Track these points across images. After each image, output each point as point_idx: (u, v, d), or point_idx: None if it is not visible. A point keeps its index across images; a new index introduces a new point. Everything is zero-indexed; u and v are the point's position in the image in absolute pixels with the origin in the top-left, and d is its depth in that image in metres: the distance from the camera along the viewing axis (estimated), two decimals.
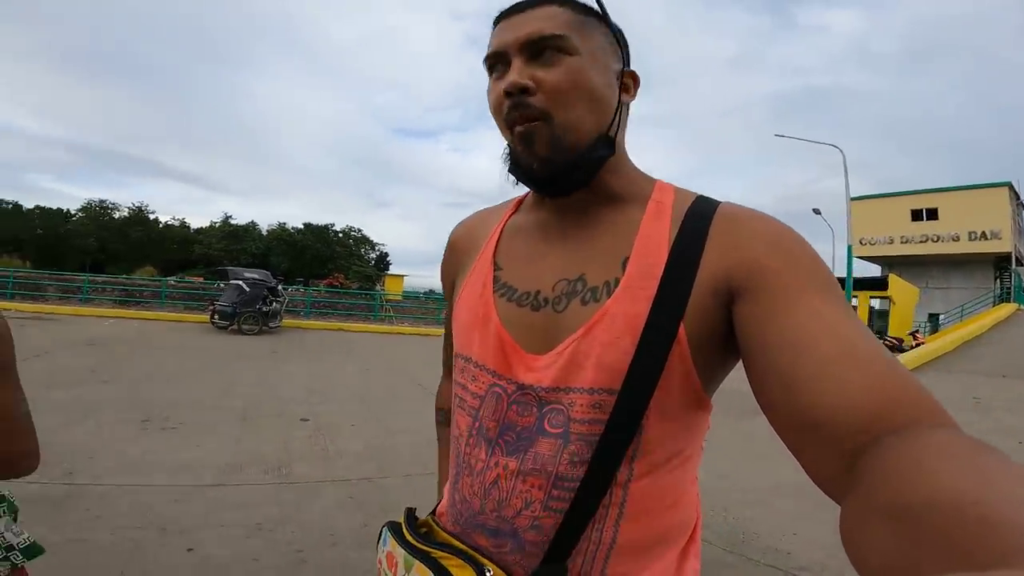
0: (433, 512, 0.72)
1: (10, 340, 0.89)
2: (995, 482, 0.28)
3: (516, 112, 0.59)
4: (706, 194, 0.63)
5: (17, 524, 0.95)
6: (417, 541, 0.63)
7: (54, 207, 48.31)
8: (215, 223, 48.09)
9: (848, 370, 0.42)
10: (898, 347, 17.21)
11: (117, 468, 3.18)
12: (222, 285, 14.45)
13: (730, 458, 4.09)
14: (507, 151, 0.63)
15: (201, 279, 24.77)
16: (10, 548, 0.91)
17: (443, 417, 0.84)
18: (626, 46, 0.66)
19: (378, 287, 33.73)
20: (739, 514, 3.14)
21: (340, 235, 49.59)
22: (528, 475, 0.58)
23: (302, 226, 48.75)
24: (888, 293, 21.40)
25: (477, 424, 0.63)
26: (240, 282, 12.03)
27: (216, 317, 11.76)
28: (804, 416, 0.42)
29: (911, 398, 0.40)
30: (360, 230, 51.36)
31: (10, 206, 45.97)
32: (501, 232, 0.70)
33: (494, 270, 0.67)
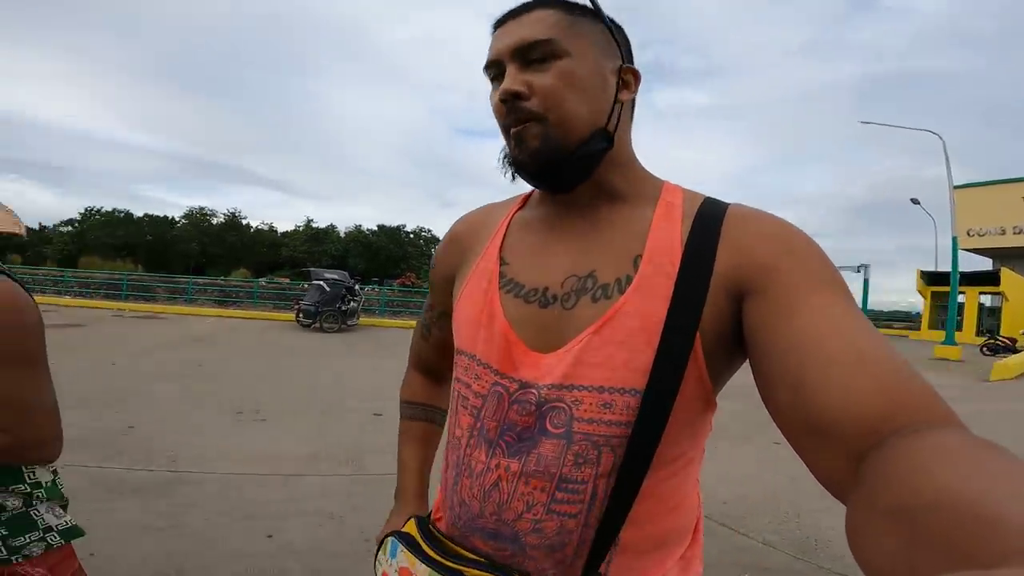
0: (428, 516, 0.72)
1: (40, 332, 0.93)
2: (999, 481, 0.28)
3: (512, 116, 0.60)
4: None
5: (62, 510, 1.03)
6: (440, 556, 0.61)
7: (161, 215, 53.70)
8: (299, 227, 51.52)
9: (855, 372, 0.42)
10: (1010, 347, 15.45)
11: (213, 457, 3.49)
12: (306, 286, 15.38)
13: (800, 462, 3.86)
14: (504, 152, 0.64)
15: (287, 280, 26.48)
16: (48, 529, 0.99)
17: (406, 410, 0.84)
18: (625, 42, 0.66)
19: None
20: (811, 520, 3.00)
21: (411, 235, 51.43)
22: (531, 477, 0.58)
23: (376, 227, 51.05)
24: (1000, 288, 19.32)
25: (479, 424, 0.63)
26: (321, 282, 12.74)
27: (301, 316, 12.56)
28: (811, 418, 0.43)
29: (917, 399, 0.40)
30: (430, 230, 52.99)
31: (123, 214, 51.53)
32: (507, 226, 0.70)
33: (500, 265, 0.66)
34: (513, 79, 0.59)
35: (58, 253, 45.97)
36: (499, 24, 0.63)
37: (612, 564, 0.58)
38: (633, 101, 0.66)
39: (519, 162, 0.61)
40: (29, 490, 0.96)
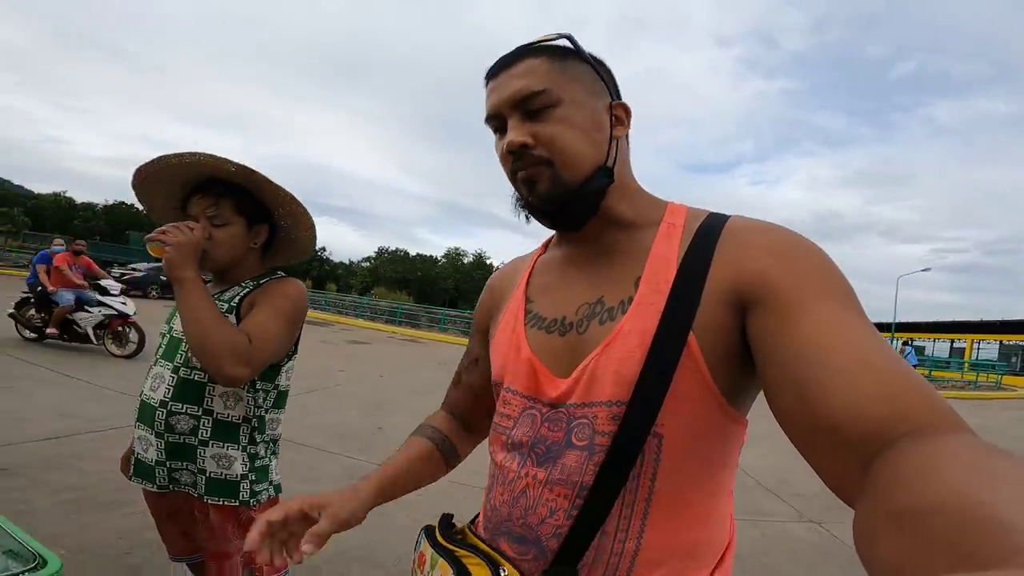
0: (473, 521, 0.76)
1: (305, 312, 1.25)
2: (1002, 484, 0.28)
3: (520, 163, 0.63)
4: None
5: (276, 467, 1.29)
6: (446, 542, 0.67)
7: (427, 254, 64.97)
8: None
9: (860, 378, 0.42)
10: None
11: None
12: None
13: None
14: (514, 196, 0.68)
15: None
16: (271, 482, 1.25)
17: (418, 428, 0.86)
18: (611, 79, 0.67)
19: None
20: None
21: None
22: (555, 484, 0.61)
23: None
24: None
25: (509, 440, 0.67)
26: None
27: None
28: (817, 424, 0.43)
29: (922, 404, 0.40)
30: None
31: (403, 253, 63.61)
32: (532, 270, 0.76)
33: (526, 303, 0.72)
34: (517, 131, 0.62)
35: (359, 284, 59.02)
36: (491, 76, 0.66)
37: (634, 571, 0.59)
38: (627, 134, 0.68)
39: (532, 205, 0.65)
40: (268, 442, 1.25)
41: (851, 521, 0.35)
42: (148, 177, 1.20)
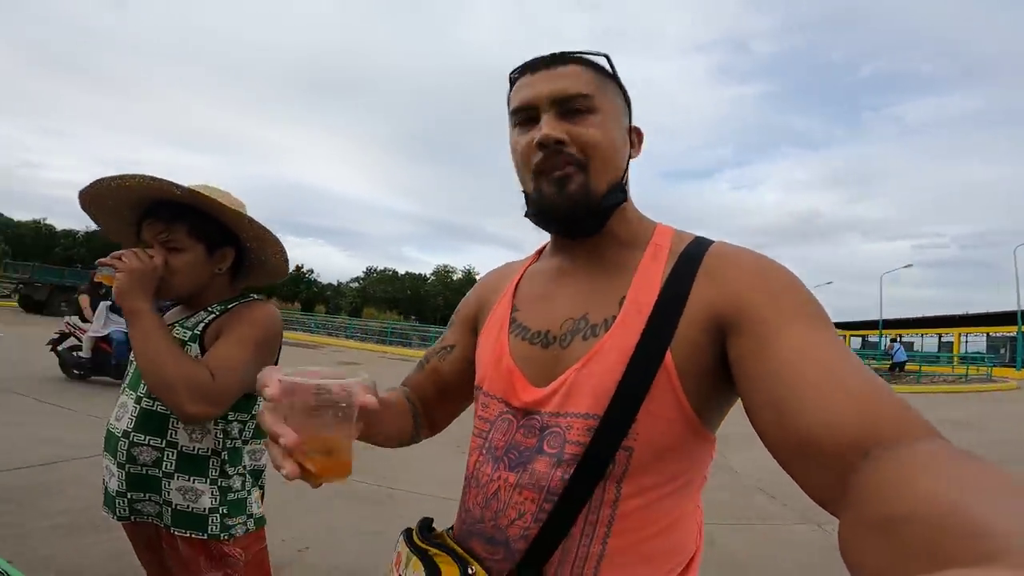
0: (451, 528, 0.77)
1: (279, 337, 1.18)
2: (976, 489, 0.29)
3: (550, 161, 0.63)
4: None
5: (260, 500, 1.20)
6: (422, 543, 0.69)
7: (416, 272, 64.80)
8: None
9: (831, 392, 0.44)
10: None
11: (428, 481, 3.90)
12: None
13: None
14: (530, 196, 0.68)
15: None
16: (251, 515, 1.17)
17: (400, 386, 0.86)
18: (631, 104, 0.71)
19: None
20: None
21: None
22: (524, 488, 0.63)
23: None
24: None
25: (487, 444, 0.70)
26: None
27: None
28: (793, 438, 0.45)
29: (894, 414, 0.41)
30: None
31: (391, 272, 63.48)
32: (521, 277, 0.78)
33: (511, 311, 0.74)
34: (553, 127, 0.63)
35: (348, 305, 58.64)
36: (527, 71, 0.67)
37: (599, 574, 0.61)
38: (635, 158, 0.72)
39: (554, 204, 0.65)
40: (246, 474, 1.17)
41: None
42: (93, 201, 1.12)
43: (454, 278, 60.21)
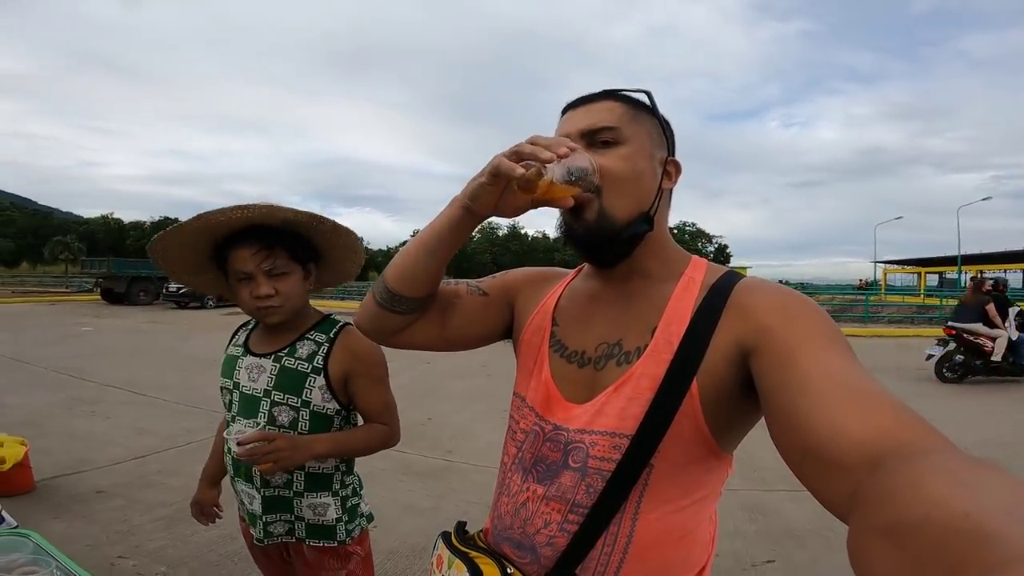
0: (481, 531, 0.84)
1: (384, 361, 1.30)
2: (986, 495, 0.29)
3: None
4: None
5: (362, 499, 1.38)
6: (460, 545, 0.77)
7: None
8: None
9: (842, 402, 0.46)
10: None
11: (479, 451, 4.06)
12: None
13: None
14: (559, 220, 0.72)
15: None
16: (362, 515, 1.35)
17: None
18: (672, 137, 0.74)
19: None
20: None
21: (674, 231, 49.77)
22: (551, 500, 0.69)
23: None
24: None
25: (519, 454, 0.76)
26: None
27: None
28: (804, 446, 0.47)
29: (904, 422, 0.42)
30: (694, 224, 50.55)
31: None
32: (562, 292, 0.82)
33: (552, 325, 0.79)
34: None
35: None
36: (571, 107, 0.73)
37: None
38: (671, 190, 0.75)
39: (572, 230, 0.70)
40: (352, 483, 1.34)
41: None
42: (177, 238, 1.12)
43: (499, 234, 60.29)
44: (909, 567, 0.28)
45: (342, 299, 20.92)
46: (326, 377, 1.21)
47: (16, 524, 1.03)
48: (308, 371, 1.20)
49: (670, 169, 0.73)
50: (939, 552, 0.27)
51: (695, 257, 0.75)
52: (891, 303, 24.24)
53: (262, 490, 1.22)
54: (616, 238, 0.68)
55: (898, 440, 0.40)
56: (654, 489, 0.66)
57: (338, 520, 1.27)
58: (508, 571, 0.71)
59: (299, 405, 1.20)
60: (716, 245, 51.53)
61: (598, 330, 0.74)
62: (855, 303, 21.99)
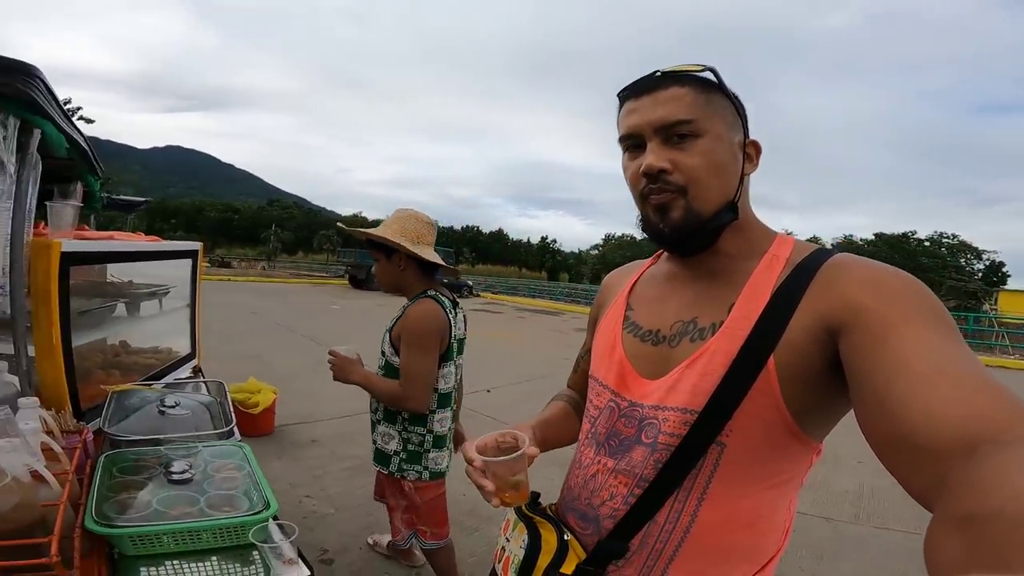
0: (553, 504, 0.87)
1: (436, 334, 1.63)
2: None
3: (654, 187, 0.66)
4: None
5: (443, 457, 1.70)
6: (528, 511, 0.80)
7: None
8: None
9: (939, 387, 0.43)
10: None
11: None
12: None
13: None
14: (640, 218, 0.72)
15: None
16: (426, 467, 1.67)
17: (556, 395, 1.01)
18: (745, 114, 0.69)
19: (986, 307, 25.87)
20: None
21: (925, 244, 40.78)
22: (620, 473, 0.70)
23: (872, 236, 43.36)
24: None
25: (593, 429, 0.77)
26: None
27: None
28: (896, 431, 0.44)
29: (1003, 406, 0.40)
30: (955, 236, 40.67)
31: (628, 238, 63.33)
32: (637, 279, 0.84)
33: (626, 310, 0.80)
34: (657, 155, 0.65)
35: (589, 271, 60.88)
36: (631, 96, 0.68)
37: (674, 563, 0.67)
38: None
39: (659, 231, 0.69)
40: (425, 435, 1.68)
41: None
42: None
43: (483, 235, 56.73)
44: (967, 554, 0.27)
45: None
46: (390, 335, 1.68)
47: (241, 439, 1.41)
48: (388, 329, 1.71)
49: (750, 152, 0.69)
50: (1000, 543, 0.25)
51: (782, 235, 0.71)
52: None
53: (370, 414, 1.75)
54: (701, 231, 0.67)
55: (996, 425, 0.38)
56: (725, 470, 0.64)
57: (395, 453, 1.67)
58: (564, 537, 0.73)
59: (382, 352, 1.72)
60: (988, 262, 40.51)
61: (674, 309, 0.73)
62: None
